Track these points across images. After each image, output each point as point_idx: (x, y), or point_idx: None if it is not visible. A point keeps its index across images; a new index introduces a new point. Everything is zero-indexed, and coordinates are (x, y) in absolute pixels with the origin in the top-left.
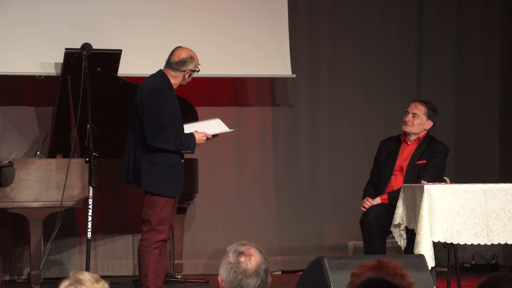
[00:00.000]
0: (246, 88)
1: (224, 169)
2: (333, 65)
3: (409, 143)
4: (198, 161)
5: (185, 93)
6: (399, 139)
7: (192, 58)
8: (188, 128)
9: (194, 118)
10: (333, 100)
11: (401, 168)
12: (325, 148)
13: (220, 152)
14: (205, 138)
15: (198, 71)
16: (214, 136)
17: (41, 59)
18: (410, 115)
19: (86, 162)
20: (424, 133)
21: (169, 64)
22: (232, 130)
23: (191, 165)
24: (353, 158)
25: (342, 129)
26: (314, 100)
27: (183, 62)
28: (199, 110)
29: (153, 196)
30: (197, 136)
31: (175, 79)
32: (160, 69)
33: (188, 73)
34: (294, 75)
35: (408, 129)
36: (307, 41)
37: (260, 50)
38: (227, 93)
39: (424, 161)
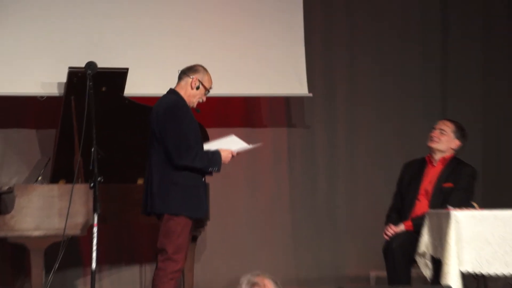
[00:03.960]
0: (260, 108)
1: (236, 194)
2: (351, 83)
3: (434, 164)
4: (209, 186)
5: (194, 113)
6: (424, 160)
7: (204, 70)
8: (204, 147)
9: (204, 139)
10: (352, 120)
11: (426, 192)
12: (344, 171)
13: (231, 176)
14: (230, 155)
15: (209, 90)
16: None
17: (43, 78)
18: (437, 131)
19: (91, 187)
20: (450, 153)
21: (180, 77)
22: (253, 146)
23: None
24: (374, 182)
25: (361, 151)
26: (331, 121)
27: (193, 68)
28: (210, 131)
29: (170, 222)
30: (222, 154)
31: (187, 92)
32: (171, 88)
33: (196, 84)
34: (310, 94)
35: (434, 145)
36: (323, 58)
37: (275, 68)
38: (239, 113)
39: (451, 184)
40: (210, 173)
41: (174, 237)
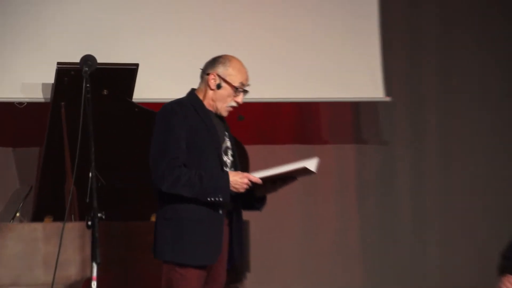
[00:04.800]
0: (318, 118)
1: (287, 235)
2: (444, 86)
3: None
4: (249, 223)
5: (230, 126)
6: None
7: (229, 61)
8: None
9: (242, 161)
10: (444, 133)
11: None
12: (434, 200)
13: (280, 208)
14: (245, 181)
15: (241, 89)
16: (270, 182)
17: (22, 78)
18: None
19: (88, 227)
20: None
21: (201, 77)
22: (301, 167)
23: None
24: (473, 213)
25: (457, 173)
26: (418, 135)
27: (212, 61)
28: (249, 149)
29: (171, 273)
30: (233, 178)
31: (207, 95)
32: (192, 88)
33: (216, 81)
34: (388, 98)
35: None
36: (406, 53)
37: (337, 65)
38: (289, 124)
39: None
40: (219, 204)
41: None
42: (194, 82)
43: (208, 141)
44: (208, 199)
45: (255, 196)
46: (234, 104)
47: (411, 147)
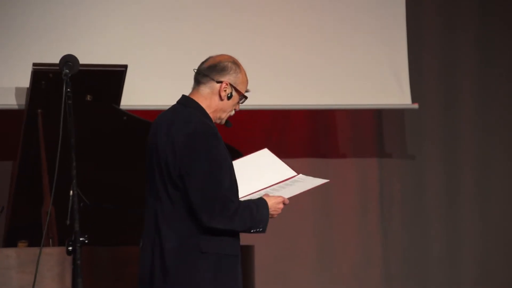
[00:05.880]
0: (334, 128)
1: (299, 263)
2: (482, 91)
3: None
4: (254, 248)
5: (233, 136)
6: None
7: (236, 65)
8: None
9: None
10: (481, 144)
11: None
12: (470, 222)
13: (291, 231)
14: (281, 206)
15: (246, 96)
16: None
17: None
18: None
19: (68, 253)
20: None
21: (198, 81)
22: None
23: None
24: None
25: (496, 190)
26: (450, 148)
27: (219, 66)
28: None
29: None
30: (270, 204)
31: (212, 104)
32: (184, 95)
33: (227, 91)
34: (416, 105)
35: None
36: (437, 55)
37: (357, 69)
38: (303, 135)
39: None
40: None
41: None
42: (191, 86)
43: (231, 166)
44: (252, 230)
45: None
46: (233, 112)
47: (442, 161)
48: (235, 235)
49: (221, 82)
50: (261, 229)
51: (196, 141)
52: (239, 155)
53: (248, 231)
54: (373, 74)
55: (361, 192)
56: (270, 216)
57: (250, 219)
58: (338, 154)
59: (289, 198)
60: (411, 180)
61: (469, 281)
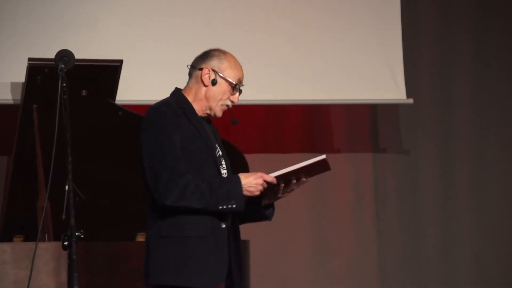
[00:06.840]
0: (329, 123)
1: (294, 258)
2: (475, 82)
3: None
4: (250, 242)
5: (227, 132)
6: None
7: (223, 54)
8: None
9: (243, 169)
10: (477, 141)
11: None
12: (466, 218)
13: (286, 226)
14: (260, 181)
15: (238, 85)
16: (283, 183)
17: None
18: None
19: (64, 248)
20: None
21: (189, 74)
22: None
23: None
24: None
25: (493, 187)
26: (446, 143)
27: (204, 55)
28: (250, 158)
29: None
30: (246, 180)
31: (198, 93)
32: (177, 88)
33: (211, 77)
34: (411, 100)
35: None
36: (432, 49)
37: (351, 64)
38: (297, 131)
39: None
40: (221, 216)
41: None
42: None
43: (202, 150)
44: (220, 207)
45: (261, 204)
46: (229, 103)
47: (437, 156)
48: (200, 214)
49: (201, 69)
50: (234, 206)
51: (144, 125)
52: (235, 150)
53: (215, 208)
54: (368, 69)
55: (356, 187)
56: (249, 193)
57: (209, 194)
58: (333, 149)
59: (283, 193)
60: (406, 176)
61: (464, 277)
